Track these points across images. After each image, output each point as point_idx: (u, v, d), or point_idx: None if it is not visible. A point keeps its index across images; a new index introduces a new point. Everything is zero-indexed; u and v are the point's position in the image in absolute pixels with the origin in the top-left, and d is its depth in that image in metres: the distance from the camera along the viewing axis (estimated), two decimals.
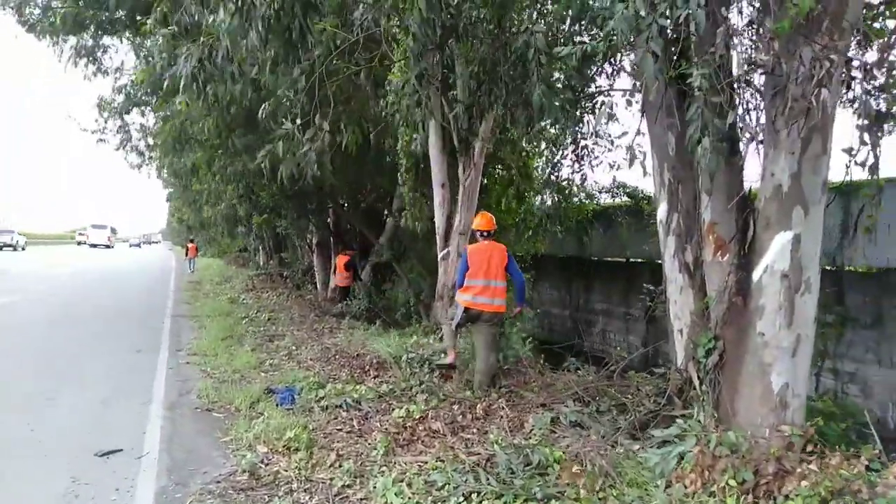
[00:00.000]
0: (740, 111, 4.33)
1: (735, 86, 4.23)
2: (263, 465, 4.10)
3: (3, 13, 10.57)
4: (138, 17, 9.54)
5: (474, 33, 5.66)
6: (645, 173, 4.73)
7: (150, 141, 18.49)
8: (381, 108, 5.63)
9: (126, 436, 4.79)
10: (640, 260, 13.86)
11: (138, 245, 77.77)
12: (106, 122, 17.27)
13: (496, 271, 5.74)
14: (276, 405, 5.47)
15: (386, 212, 14.08)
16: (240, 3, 4.78)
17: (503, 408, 5.11)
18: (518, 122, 5.80)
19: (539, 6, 6.27)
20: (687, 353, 4.47)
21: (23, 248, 44.55)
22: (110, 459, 4.33)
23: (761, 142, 4.11)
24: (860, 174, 4.03)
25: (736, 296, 4.07)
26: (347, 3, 6.47)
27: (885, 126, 4.08)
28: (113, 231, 68.92)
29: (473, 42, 5.76)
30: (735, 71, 4.07)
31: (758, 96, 4.56)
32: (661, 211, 4.76)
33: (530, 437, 4.43)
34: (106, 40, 12.01)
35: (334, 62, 5.74)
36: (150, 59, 9.66)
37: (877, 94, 4.11)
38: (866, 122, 3.70)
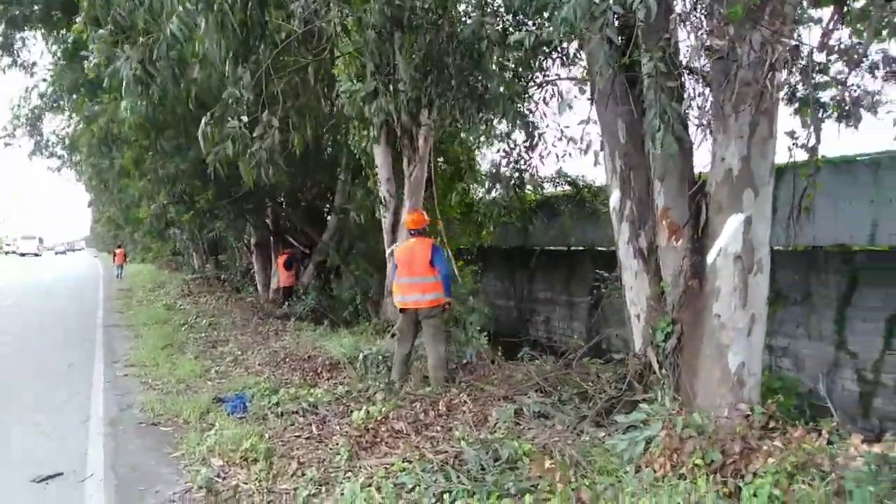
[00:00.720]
0: (686, 97, 4.42)
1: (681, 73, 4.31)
2: (221, 480, 3.88)
3: None
4: (53, 13, 8.99)
5: (419, 24, 5.53)
6: (596, 162, 4.77)
7: (68, 143, 17.56)
8: (329, 105, 5.44)
9: (66, 458, 4.45)
10: (581, 248, 14.11)
11: (63, 252, 78.04)
12: (15, 130, 16.33)
13: (421, 267, 5.77)
14: (228, 414, 5.22)
15: (328, 208, 13.80)
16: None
17: (465, 402, 5.05)
18: (466, 114, 5.72)
19: None
20: (645, 337, 4.54)
21: None
22: (50, 485, 4.01)
23: (709, 127, 4.20)
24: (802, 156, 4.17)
25: (692, 279, 4.14)
26: None
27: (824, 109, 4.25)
28: (40, 241, 72.51)
29: (418, 33, 5.63)
30: (682, 57, 4.14)
31: (701, 83, 4.66)
32: (614, 198, 4.79)
33: (495, 431, 4.38)
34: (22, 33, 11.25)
35: (281, 58, 5.51)
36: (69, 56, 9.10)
37: (815, 78, 4.26)
38: (813, 105, 3.82)
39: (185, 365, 7.29)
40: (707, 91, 4.28)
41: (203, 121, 5.11)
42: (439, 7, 5.50)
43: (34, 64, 13.37)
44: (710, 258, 4.01)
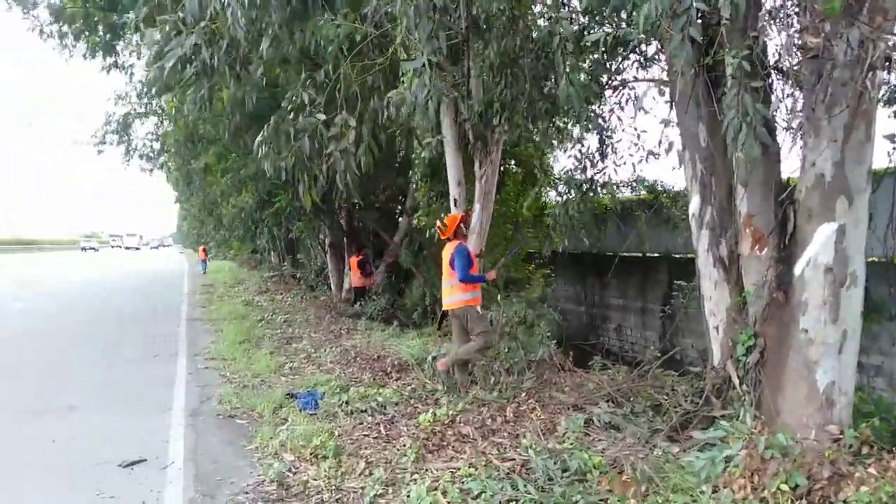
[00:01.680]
0: (774, 99, 4.19)
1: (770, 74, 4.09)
2: (291, 474, 3.99)
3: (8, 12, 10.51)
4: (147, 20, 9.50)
5: (493, 25, 5.50)
6: (681, 163, 4.60)
7: (158, 145, 18.57)
8: (396, 106, 5.48)
9: (149, 445, 4.70)
10: (656, 255, 13.66)
11: (157, 247, 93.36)
12: (104, 137, 17.35)
13: (447, 270, 5.91)
14: (300, 410, 5.37)
15: (399, 210, 13.96)
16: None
17: (534, 409, 4.98)
18: (539, 117, 5.64)
19: None
20: (724, 350, 4.33)
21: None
22: (135, 470, 4.24)
23: (799, 130, 3.97)
24: None
25: (776, 291, 3.92)
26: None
27: None
28: (140, 237, 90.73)
29: (492, 35, 5.60)
30: (772, 57, 3.93)
31: (790, 84, 4.41)
32: (694, 204, 4.60)
33: (564, 441, 4.29)
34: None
35: (355, 63, 5.61)
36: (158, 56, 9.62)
37: None
38: None
39: (260, 360, 7.56)
40: (797, 92, 4.05)
41: (273, 119, 5.24)
42: (514, 9, 5.44)
43: (132, 66, 14.11)
44: (797, 269, 3.78)
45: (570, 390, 5.37)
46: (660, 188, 10.27)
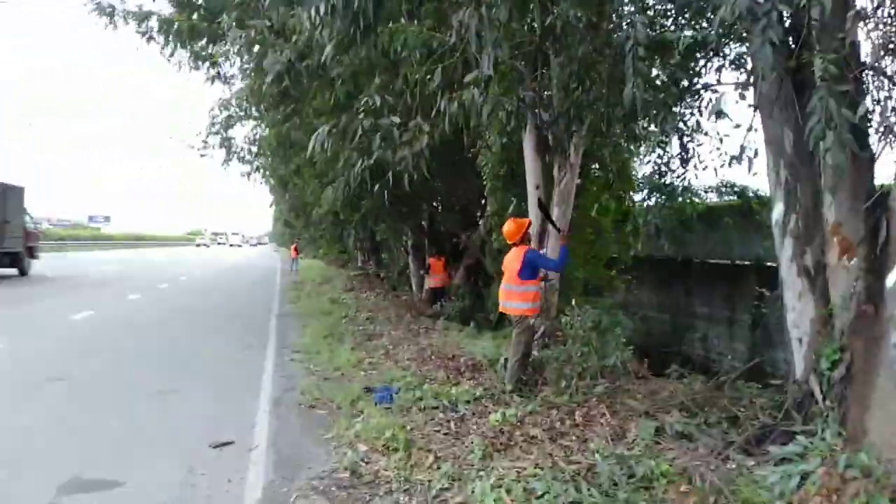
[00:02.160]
0: (869, 102, 3.97)
1: (863, 74, 3.89)
2: (364, 464, 4.18)
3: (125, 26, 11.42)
4: (246, 22, 10.12)
5: (571, 32, 5.51)
6: (750, 170, 4.44)
7: (255, 150, 19.63)
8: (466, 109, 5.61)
9: (237, 429, 5.05)
10: (746, 262, 13.04)
11: (255, 245, 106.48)
12: (207, 139, 18.46)
13: (510, 276, 6.05)
14: (375, 404, 5.57)
15: (479, 213, 14.09)
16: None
17: (604, 414, 4.94)
18: (616, 122, 5.59)
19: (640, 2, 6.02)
20: (808, 364, 4.15)
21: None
22: (223, 451, 4.58)
23: (892, 134, 3.76)
24: None
25: (866, 303, 3.73)
26: (444, 9, 6.52)
27: None
28: (242, 236, 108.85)
29: (570, 41, 5.61)
30: (867, 58, 3.74)
31: (889, 85, 4.16)
32: (777, 211, 4.43)
33: (633, 447, 4.24)
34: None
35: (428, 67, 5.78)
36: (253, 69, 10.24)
37: None
38: None
39: (342, 354, 7.89)
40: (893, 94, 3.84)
41: (323, 128, 5.48)
42: (593, 15, 5.43)
43: (232, 76, 15.01)
44: (889, 281, 3.59)
45: (642, 397, 5.28)
46: (750, 193, 9.83)
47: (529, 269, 6.00)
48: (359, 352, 8.20)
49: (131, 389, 6.30)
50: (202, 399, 6.03)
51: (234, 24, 7.01)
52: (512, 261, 6.12)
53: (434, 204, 14.75)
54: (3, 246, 18.81)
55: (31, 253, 21.89)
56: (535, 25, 6.37)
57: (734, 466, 3.76)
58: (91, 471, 4.12)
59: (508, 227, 6.30)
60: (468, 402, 5.52)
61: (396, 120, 5.42)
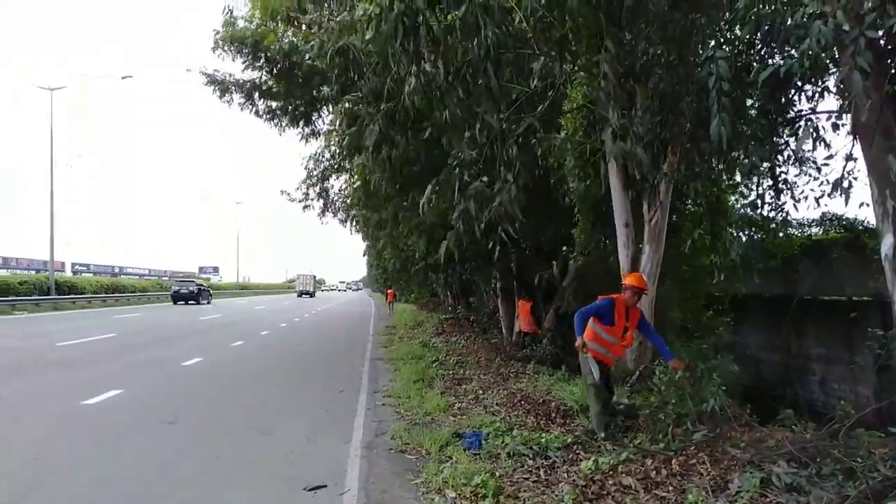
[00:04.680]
0: None
1: None
2: None
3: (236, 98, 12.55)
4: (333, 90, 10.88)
5: (653, 70, 5.50)
6: (846, 202, 4.18)
7: (348, 200, 20.68)
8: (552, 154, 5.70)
9: (330, 472, 5.19)
10: (865, 298, 12.04)
11: (356, 290, 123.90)
12: (308, 190, 19.63)
13: None
14: (464, 449, 5.55)
15: (567, 254, 13.93)
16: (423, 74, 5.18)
17: (704, 462, 4.68)
18: (704, 156, 5.45)
19: (724, 34, 5.92)
20: None
21: None
22: (316, 494, 4.70)
23: None
24: None
25: None
26: (524, 56, 6.71)
27: None
28: (347, 283, 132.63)
29: (652, 78, 5.59)
30: None
31: None
32: (887, 244, 4.14)
33: (736, 500, 3.98)
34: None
35: (511, 117, 5.94)
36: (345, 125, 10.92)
37: None
38: None
39: (432, 399, 7.95)
40: None
41: (429, 187, 5.70)
42: (673, 51, 5.39)
43: (326, 132, 15.97)
44: None
45: (746, 445, 4.94)
46: (860, 226, 9.15)
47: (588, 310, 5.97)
48: (448, 396, 8.24)
49: (234, 432, 6.63)
50: (298, 442, 6.24)
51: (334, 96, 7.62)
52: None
53: (522, 245, 14.74)
54: None
55: None
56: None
57: None
58: None
59: (635, 277, 6.17)
60: (559, 448, 5.41)
61: (485, 179, 5.60)
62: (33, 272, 41.33)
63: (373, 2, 5.41)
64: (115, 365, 11.42)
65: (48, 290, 32.53)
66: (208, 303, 42.53)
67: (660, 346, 5.99)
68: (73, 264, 58.15)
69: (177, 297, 41.77)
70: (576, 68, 5.57)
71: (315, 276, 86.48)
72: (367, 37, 5.60)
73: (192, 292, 42.43)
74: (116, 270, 67.92)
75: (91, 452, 5.76)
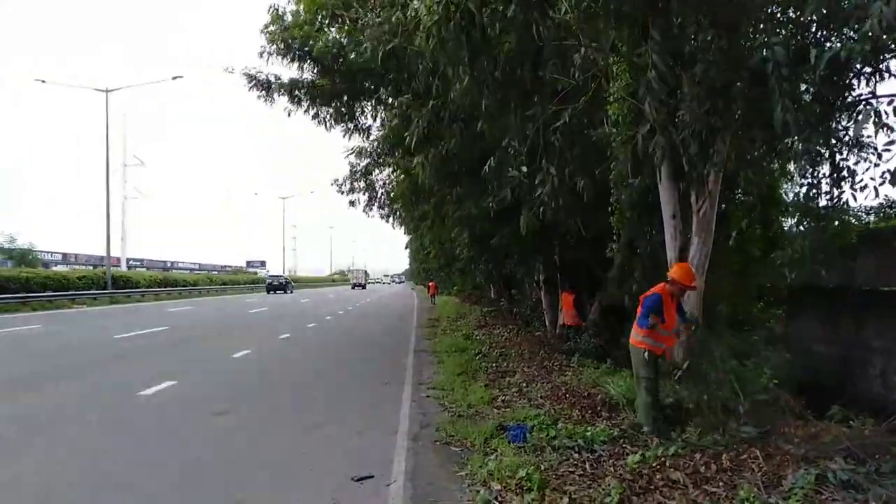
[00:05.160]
0: None
1: None
2: (497, 502, 4.18)
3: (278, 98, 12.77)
4: (380, 87, 10.93)
5: (704, 57, 5.34)
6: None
7: (392, 195, 20.83)
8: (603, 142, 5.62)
9: (376, 463, 5.28)
10: None
11: (400, 282, 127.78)
12: (352, 185, 19.84)
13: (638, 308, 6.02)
14: (509, 442, 5.55)
15: (614, 246, 13.71)
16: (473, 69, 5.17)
17: (756, 458, 4.57)
18: (757, 144, 5.27)
19: (778, 16, 5.71)
20: None
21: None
22: (364, 484, 4.79)
23: None
24: None
25: None
26: (567, 48, 6.62)
27: None
28: (393, 276, 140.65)
29: (700, 65, 5.43)
30: None
31: None
32: None
33: (790, 497, 3.87)
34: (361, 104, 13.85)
35: (555, 108, 5.87)
36: (391, 122, 11.00)
37: None
38: None
39: (476, 391, 7.97)
40: None
41: (484, 170, 5.68)
42: (724, 36, 5.23)
43: (369, 128, 16.10)
44: None
45: (800, 441, 4.80)
46: None
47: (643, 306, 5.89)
48: (492, 389, 8.24)
49: (283, 423, 6.81)
50: (345, 433, 6.36)
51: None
52: (646, 294, 6.01)
53: (567, 237, 14.58)
54: None
55: None
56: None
57: None
58: (250, 498, 4.50)
59: (682, 271, 6.09)
60: (604, 442, 5.36)
61: (524, 169, 5.56)
62: (91, 267, 43.24)
63: (429, 8, 5.42)
64: (169, 356, 11.85)
65: (105, 284, 33.84)
66: (292, 291, 59.33)
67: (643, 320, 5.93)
68: (128, 259, 60.31)
69: (270, 288, 59.11)
70: (620, 59, 5.45)
71: (366, 271, 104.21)
72: (423, 43, 5.63)
73: (281, 284, 60.54)
74: (168, 265, 70.17)
75: (147, 442, 6.01)
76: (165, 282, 44.37)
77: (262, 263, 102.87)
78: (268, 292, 56.81)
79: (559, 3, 5.42)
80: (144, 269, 56.07)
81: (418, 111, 6.04)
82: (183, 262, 76.17)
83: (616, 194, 8.90)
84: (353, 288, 79.62)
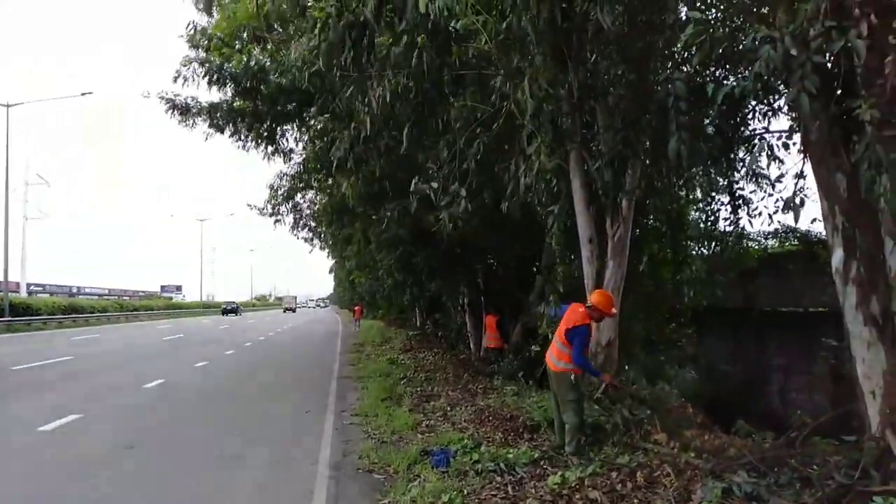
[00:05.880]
0: None
1: None
2: None
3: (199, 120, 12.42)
4: (304, 109, 10.81)
5: (613, 90, 5.64)
6: (796, 218, 4.35)
7: (315, 216, 20.63)
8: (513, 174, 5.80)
9: (297, 495, 5.13)
10: (820, 309, 12.42)
11: (324, 307, 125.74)
12: (277, 208, 19.60)
13: (560, 331, 5.97)
14: (432, 467, 5.52)
15: (535, 269, 14.05)
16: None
17: (668, 475, 4.75)
18: (664, 174, 5.60)
19: (681, 55, 6.12)
20: (883, 418, 3.93)
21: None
22: None
23: None
24: None
25: None
26: (486, 77, 6.82)
27: None
28: (316, 301, 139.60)
29: (612, 98, 5.73)
30: None
31: None
32: (836, 258, 4.30)
33: None
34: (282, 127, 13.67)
35: (475, 133, 6.02)
36: (314, 142, 10.88)
37: None
38: None
39: (400, 417, 7.89)
40: None
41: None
42: (633, 71, 5.54)
43: (291, 150, 15.89)
44: None
45: (708, 455, 5.05)
46: (814, 239, 9.48)
47: (574, 338, 5.87)
48: (416, 414, 8.19)
49: (197, 457, 6.46)
50: (263, 464, 6.14)
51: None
52: (568, 319, 6.01)
53: (488, 261, 14.82)
54: None
55: None
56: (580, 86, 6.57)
57: None
58: None
59: (603, 299, 6.11)
60: (526, 464, 5.42)
61: (434, 185, 5.64)
62: None
63: (322, 9, 5.42)
64: (74, 389, 11.06)
65: (2, 311, 31.38)
66: (240, 315, 69.99)
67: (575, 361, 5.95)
68: (29, 284, 56.08)
69: (225, 311, 71.12)
70: (537, 88, 5.67)
71: (296, 297, 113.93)
72: (313, 43, 5.61)
73: (234, 308, 73.79)
74: (74, 290, 65.65)
75: (46, 479, 5.57)
76: (71, 308, 41.50)
77: (178, 288, 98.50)
78: (223, 314, 68.16)
79: (478, 35, 5.60)
80: (47, 295, 52.26)
81: (340, 133, 6.02)
82: (90, 288, 71.59)
83: (542, 219, 9.14)
84: (284, 312, 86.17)
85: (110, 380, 12.42)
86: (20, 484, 5.43)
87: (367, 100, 5.49)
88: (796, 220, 3.89)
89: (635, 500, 4.38)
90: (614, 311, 6.19)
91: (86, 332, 31.22)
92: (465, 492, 4.74)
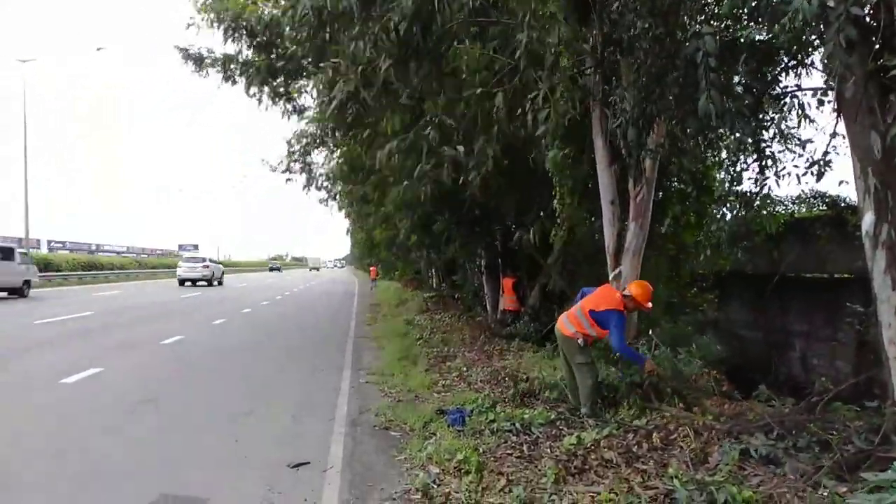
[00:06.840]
0: None
1: None
2: (435, 486, 4.19)
3: (213, 71, 12.30)
4: (320, 64, 10.62)
5: (639, 45, 5.43)
6: (819, 179, 4.20)
7: (331, 175, 20.49)
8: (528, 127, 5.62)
9: (313, 449, 5.19)
10: (846, 276, 12.19)
11: (341, 267, 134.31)
12: (290, 165, 19.47)
13: (586, 306, 5.93)
14: (448, 426, 5.58)
15: (554, 231, 13.92)
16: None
17: (686, 437, 4.73)
18: (690, 133, 5.42)
19: (710, 8, 5.86)
20: None
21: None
22: (300, 471, 4.70)
23: None
24: None
25: None
26: (509, 29, 6.61)
27: None
28: (334, 261, 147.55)
29: (638, 53, 5.53)
30: None
31: None
32: (867, 221, 4.15)
33: (715, 473, 4.03)
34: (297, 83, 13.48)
35: (500, 82, 5.84)
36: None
37: None
38: None
39: (416, 377, 7.97)
40: None
41: (392, 143, 5.59)
42: (660, 25, 5.33)
43: (305, 109, 15.71)
44: None
45: (726, 419, 5.02)
46: (842, 203, 9.22)
47: (609, 324, 5.76)
48: (432, 374, 8.26)
49: (215, 411, 6.58)
50: (281, 420, 6.23)
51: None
52: (599, 300, 5.90)
53: (508, 222, 14.69)
54: None
55: None
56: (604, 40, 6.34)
57: (825, 493, 3.52)
58: (178, 489, 4.32)
59: (642, 290, 5.94)
60: (542, 425, 5.43)
61: (461, 149, 5.52)
62: None
63: None
64: (95, 343, 11.29)
65: None
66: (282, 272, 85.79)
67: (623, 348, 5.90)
68: (49, 241, 56.99)
69: (272, 269, 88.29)
70: (560, 43, 5.48)
71: (320, 258, 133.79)
72: None
73: (277, 267, 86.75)
74: (93, 248, 66.67)
75: (68, 431, 5.70)
76: (91, 265, 42.22)
77: (195, 247, 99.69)
78: (269, 271, 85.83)
79: None
80: (67, 252, 53.07)
81: (346, 77, 5.84)
82: (109, 245, 72.65)
83: (550, 173, 8.98)
84: (310, 270, 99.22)
85: (130, 335, 12.64)
86: (52, 438, 5.52)
87: (374, 39, 5.30)
88: (818, 180, 3.75)
89: (651, 461, 4.37)
90: (650, 305, 6.05)
91: (106, 288, 31.81)
92: (481, 450, 4.77)
